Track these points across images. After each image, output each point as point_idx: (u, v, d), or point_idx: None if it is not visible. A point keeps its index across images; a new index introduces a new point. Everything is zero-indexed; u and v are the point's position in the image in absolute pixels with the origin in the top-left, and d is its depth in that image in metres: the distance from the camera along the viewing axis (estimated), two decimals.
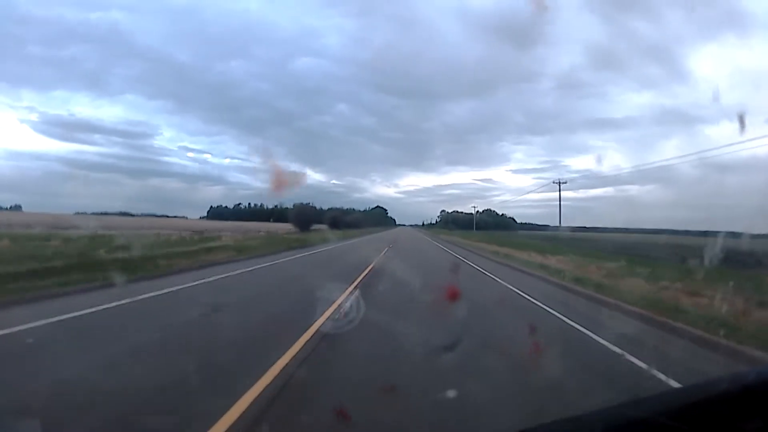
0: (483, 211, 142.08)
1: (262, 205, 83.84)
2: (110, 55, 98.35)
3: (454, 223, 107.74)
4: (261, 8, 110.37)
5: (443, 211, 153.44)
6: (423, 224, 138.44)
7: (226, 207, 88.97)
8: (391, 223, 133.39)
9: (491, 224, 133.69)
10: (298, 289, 9.97)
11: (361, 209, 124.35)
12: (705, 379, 1.32)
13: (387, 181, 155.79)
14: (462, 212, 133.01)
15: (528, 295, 10.21)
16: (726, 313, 6.88)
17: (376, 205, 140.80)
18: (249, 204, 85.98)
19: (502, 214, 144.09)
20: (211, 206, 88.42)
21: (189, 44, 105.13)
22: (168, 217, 61.93)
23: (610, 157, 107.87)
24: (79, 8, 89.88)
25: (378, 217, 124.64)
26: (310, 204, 38.68)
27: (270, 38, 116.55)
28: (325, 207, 74.48)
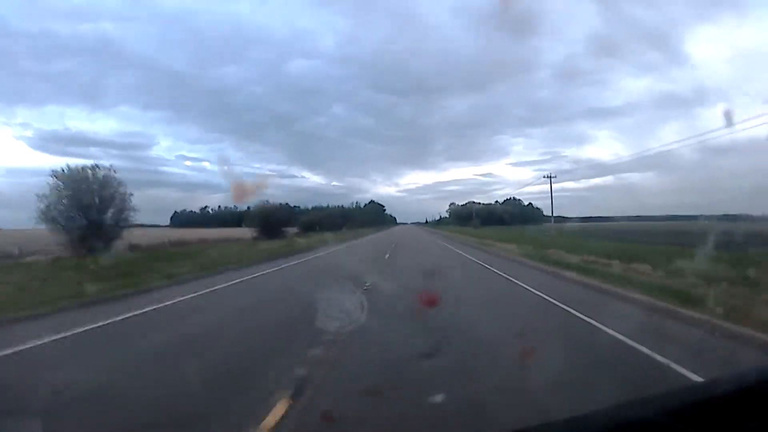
0: (504, 201, 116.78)
1: (227, 207, 76.08)
2: (103, 67, 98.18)
3: (475, 217, 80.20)
4: (253, 11, 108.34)
5: (453, 203, 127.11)
6: (426, 221, 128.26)
7: (192, 212, 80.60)
8: (390, 221, 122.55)
9: (518, 217, 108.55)
10: None
11: (355, 207, 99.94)
12: (707, 380, 1.24)
13: (388, 181, 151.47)
14: (479, 203, 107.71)
15: None
16: None
17: (370, 200, 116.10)
18: (219, 207, 79.05)
19: (529, 204, 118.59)
20: (175, 211, 78.71)
21: (182, 51, 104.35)
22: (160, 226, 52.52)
23: (611, 145, 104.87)
24: (69, 20, 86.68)
25: (373, 215, 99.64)
26: None
27: (263, 41, 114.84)
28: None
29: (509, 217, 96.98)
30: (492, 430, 2.84)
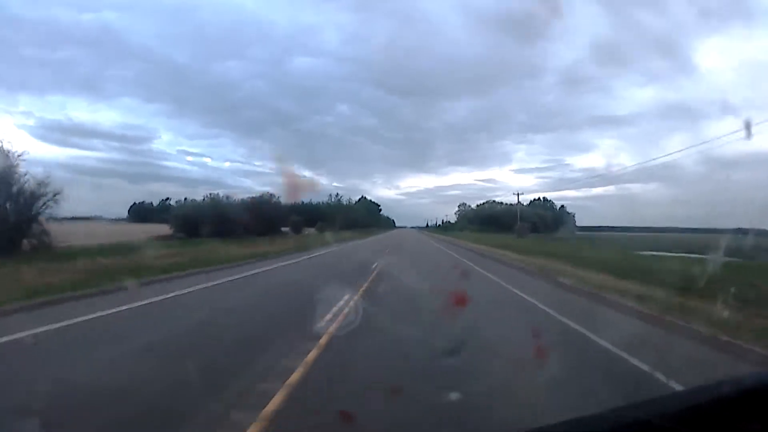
0: (531, 201, 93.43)
1: (188, 200, 51.88)
2: (105, 58, 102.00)
3: (520, 220, 56.94)
4: (257, 5, 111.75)
5: (463, 204, 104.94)
6: (428, 225, 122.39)
7: (152, 204, 73.55)
8: (386, 223, 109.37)
9: (551, 222, 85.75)
10: None
11: (336, 203, 77.43)
12: (706, 383, 1.12)
13: (388, 183, 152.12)
14: (501, 203, 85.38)
15: None
16: None
17: (361, 197, 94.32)
18: (185, 199, 56.92)
19: (561, 207, 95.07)
20: (134, 203, 73.92)
21: (185, 44, 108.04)
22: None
23: (615, 154, 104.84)
24: (72, 9, 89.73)
25: (363, 214, 76.75)
26: None
27: (267, 37, 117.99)
28: None
29: (544, 225, 74.70)
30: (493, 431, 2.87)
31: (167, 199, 69.78)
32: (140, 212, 72.84)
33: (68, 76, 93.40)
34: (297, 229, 38.59)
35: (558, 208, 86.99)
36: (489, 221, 75.57)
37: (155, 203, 74.59)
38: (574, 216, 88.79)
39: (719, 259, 9.26)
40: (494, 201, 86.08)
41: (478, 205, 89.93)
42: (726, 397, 0.98)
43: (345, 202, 75.52)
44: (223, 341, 5.00)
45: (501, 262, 17.29)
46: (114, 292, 7.89)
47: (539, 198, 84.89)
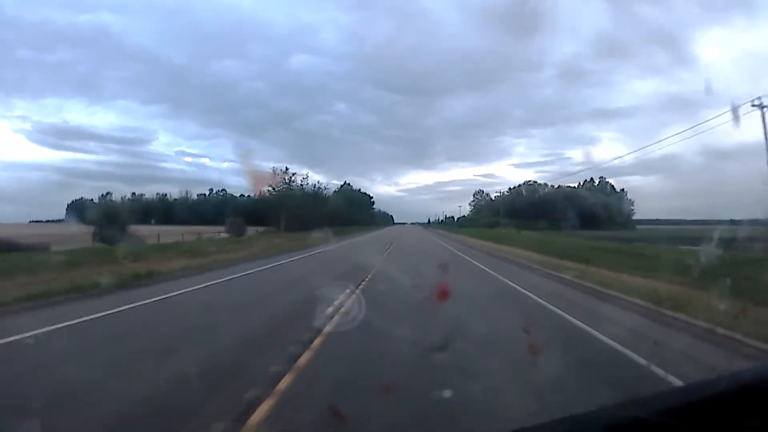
0: (580, 184, 68.61)
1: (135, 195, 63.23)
2: (102, 60, 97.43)
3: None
4: (255, 4, 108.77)
5: (480, 192, 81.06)
6: (429, 221, 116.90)
7: (92, 201, 58.07)
8: (382, 219, 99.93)
9: (613, 211, 61.29)
10: None
11: (298, 192, 51.19)
12: (704, 379, 1.19)
13: (388, 180, 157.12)
14: (547, 185, 61.10)
15: None
16: None
17: (344, 182, 70.09)
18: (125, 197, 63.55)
19: (622, 190, 70.30)
20: (73, 200, 58.66)
21: (182, 45, 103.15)
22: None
23: (614, 147, 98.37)
24: (67, 10, 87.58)
25: (343, 205, 54.35)
26: None
27: (264, 36, 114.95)
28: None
29: (608, 218, 50.36)
30: (491, 430, 2.88)
31: (108, 194, 60.83)
32: (79, 210, 62.17)
33: (65, 79, 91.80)
34: (110, 238, 13.49)
35: (618, 191, 62.08)
36: (529, 212, 51.82)
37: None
38: (631, 202, 65.30)
39: None
40: (535, 182, 61.75)
41: (511, 188, 65.18)
42: (725, 393, 0.96)
43: (312, 190, 50.20)
44: None
45: None
46: None
47: (590, 179, 60.67)
